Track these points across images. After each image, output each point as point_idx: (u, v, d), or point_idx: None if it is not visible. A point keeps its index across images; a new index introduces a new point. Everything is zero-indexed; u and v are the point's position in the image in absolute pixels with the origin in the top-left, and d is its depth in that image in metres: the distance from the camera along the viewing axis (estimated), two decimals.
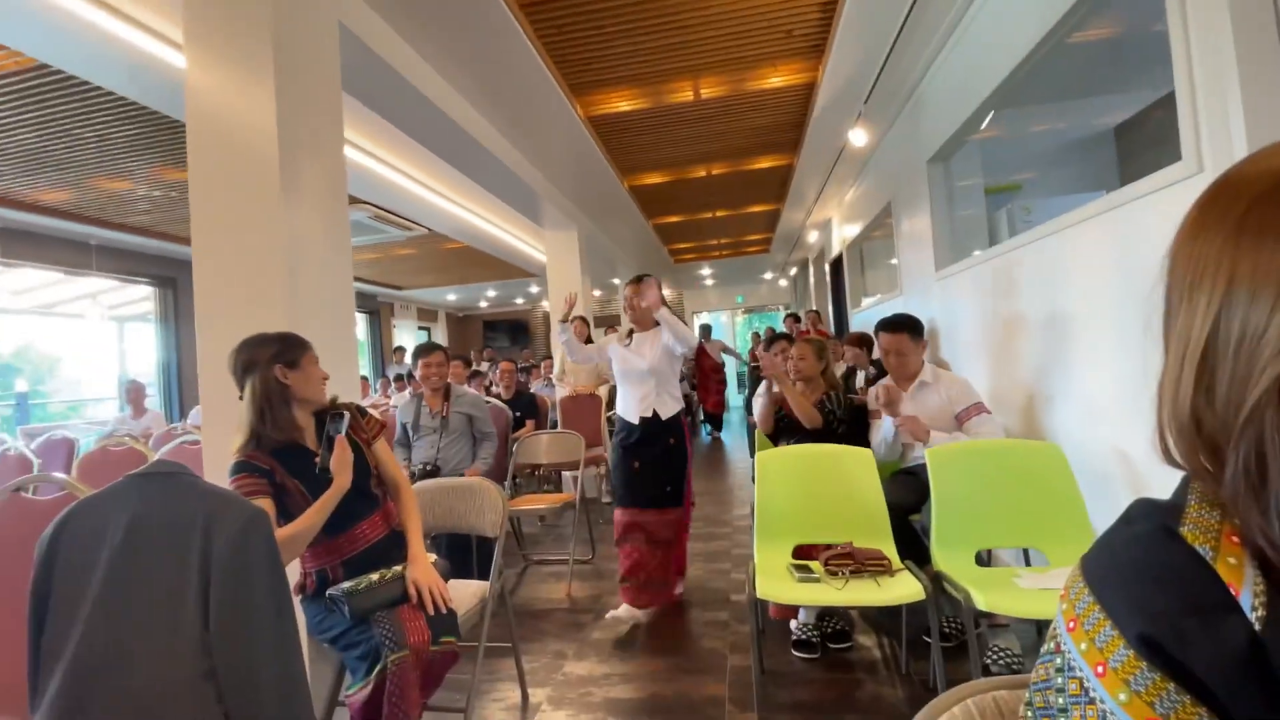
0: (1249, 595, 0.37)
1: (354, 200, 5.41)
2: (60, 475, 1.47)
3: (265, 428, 1.57)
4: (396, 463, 1.85)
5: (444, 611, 1.63)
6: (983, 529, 2.03)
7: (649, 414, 2.73)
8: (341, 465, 1.59)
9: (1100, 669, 0.40)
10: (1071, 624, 0.43)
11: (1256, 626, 0.36)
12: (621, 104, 4.13)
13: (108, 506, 1.10)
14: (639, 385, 2.77)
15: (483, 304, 14.41)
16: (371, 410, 1.87)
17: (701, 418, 8.54)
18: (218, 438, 1.98)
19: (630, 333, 2.90)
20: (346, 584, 1.57)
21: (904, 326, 2.60)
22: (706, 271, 12.38)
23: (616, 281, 10.49)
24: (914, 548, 2.15)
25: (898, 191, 4.55)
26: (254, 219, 2.02)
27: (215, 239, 2.06)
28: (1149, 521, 0.43)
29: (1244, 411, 0.38)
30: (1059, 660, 0.43)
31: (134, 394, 5.75)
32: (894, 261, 4.89)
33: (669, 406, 2.77)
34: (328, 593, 1.58)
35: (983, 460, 2.11)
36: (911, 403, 2.52)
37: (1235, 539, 0.39)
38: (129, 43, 2.68)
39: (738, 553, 3.50)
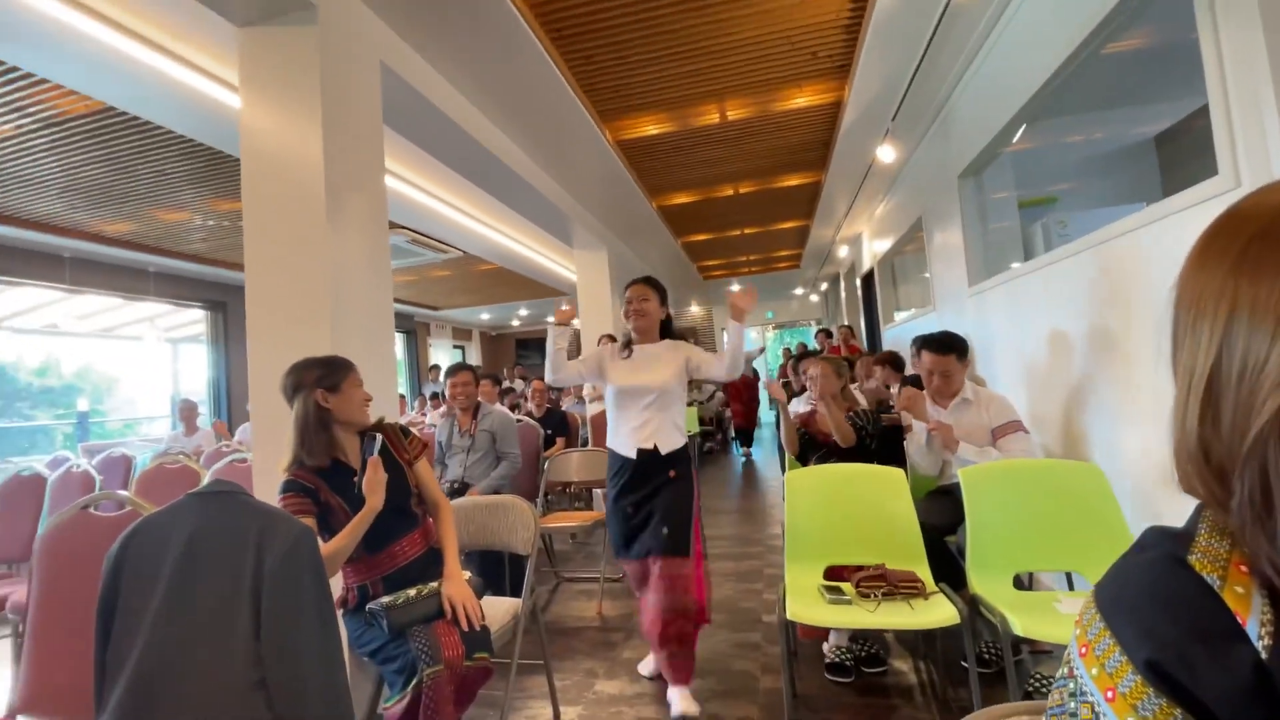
0: (1255, 624, 0.38)
1: (393, 226, 5.61)
2: (124, 493, 1.56)
3: (303, 451, 1.66)
4: (437, 482, 1.90)
5: (477, 628, 1.67)
6: (1020, 551, 1.98)
7: (648, 446, 2.23)
8: (372, 487, 1.65)
9: (1110, 694, 0.41)
10: (1083, 649, 0.44)
11: (1263, 655, 0.37)
12: (649, 128, 4.22)
13: (170, 523, 1.18)
14: (638, 411, 2.26)
15: (515, 322, 14.65)
16: (410, 428, 1.94)
17: (732, 434, 8.45)
18: (267, 455, 2.08)
19: (629, 344, 2.36)
20: (385, 599, 1.62)
21: (951, 348, 2.55)
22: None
23: None
24: (949, 570, 2.11)
25: (929, 206, 4.51)
26: (302, 247, 2.13)
27: (266, 266, 2.18)
28: (1159, 549, 0.44)
29: (1247, 441, 0.39)
30: (1072, 685, 0.44)
31: (186, 412, 6.01)
32: (927, 275, 4.84)
33: (672, 439, 2.26)
34: (367, 607, 1.64)
35: (1019, 480, 2.07)
36: (951, 419, 2.49)
37: (1243, 568, 0.40)
38: (189, 85, 2.86)
39: (770, 572, 3.46)
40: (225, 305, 7.52)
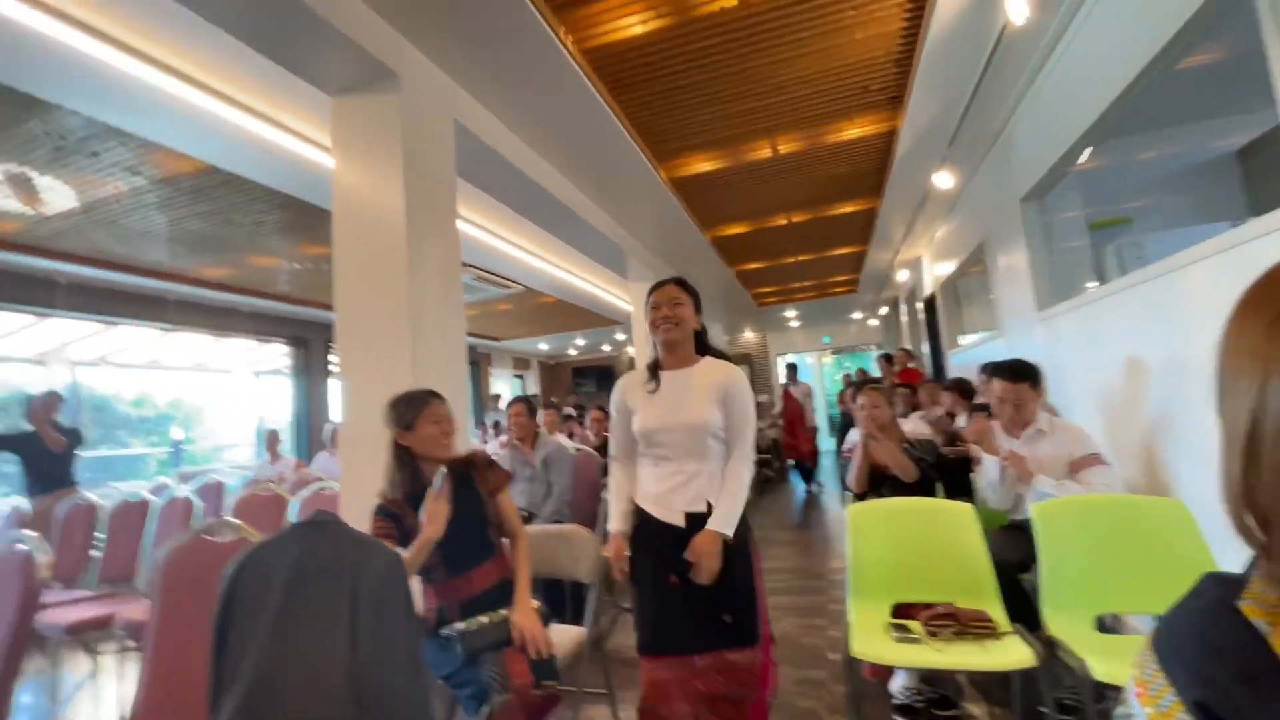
0: None
1: (462, 265, 5.91)
2: (235, 521, 1.73)
3: (387, 484, 1.82)
4: (517, 513, 1.99)
5: (545, 656, 1.73)
6: (1100, 591, 1.89)
7: (698, 509, 1.66)
8: (430, 517, 1.74)
9: None
10: (1140, 690, 0.47)
11: None
12: (702, 165, 4.33)
13: (278, 548, 1.31)
14: (677, 459, 1.70)
15: (571, 351, 14.96)
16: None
17: (791, 465, 8.22)
18: (355, 480, 2.24)
19: (655, 369, 1.80)
20: (459, 624, 1.71)
21: (1025, 376, 2.47)
22: (791, 313, 12.26)
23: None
24: (1024, 610, 2.03)
25: (991, 231, 4.41)
26: (386, 291, 2.33)
27: (355, 307, 2.39)
28: (1212, 595, 0.47)
29: None
30: None
31: (271, 441, 6.44)
32: (993, 298, 4.70)
33: (715, 483, 1.70)
34: (442, 631, 1.73)
35: (1097, 516, 1.99)
36: (1025, 451, 2.42)
37: None
38: (283, 146, 3.17)
39: (834, 608, 3.39)
40: (307, 341, 8.04)
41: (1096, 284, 3.26)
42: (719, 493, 1.68)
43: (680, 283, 1.86)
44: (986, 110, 3.53)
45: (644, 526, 1.74)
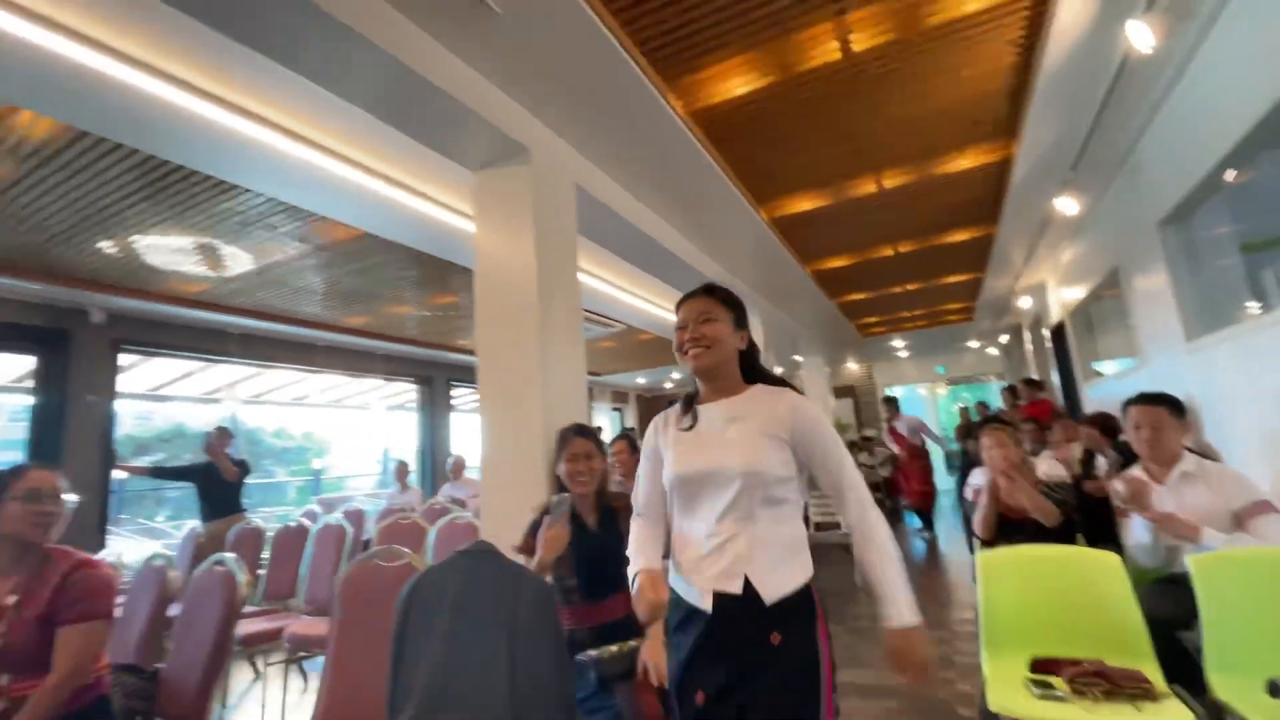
0: None
1: None
2: (404, 550, 1.97)
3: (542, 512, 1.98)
4: None
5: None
6: (1274, 652, 1.71)
7: (731, 588, 1.27)
8: (545, 544, 1.84)
9: None
10: None
11: None
12: (803, 204, 4.39)
13: (445, 574, 1.50)
14: (711, 518, 1.32)
15: (668, 385, 15.15)
16: None
17: (904, 504, 7.74)
18: (494, 508, 2.47)
19: (691, 402, 1.45)
20: (593, 651, 1.83)
21: (1162, 400, 2.32)
22: (899, 343, 11.77)
23: (799, 359, 10.39)
24: (1184, 670, 1.86)
25: (1126, 255, 4.11)
26: (520, 338, 2.59)
27: (493, 352, 2.66)
28: None
29: None
30: None
31: (401, 472, 7.02)
32: (1132, 324, 4.33)
33: (778, 571, 1.28)
34: (578, 656, 1.86)
35: (1267, 571, 1.81)
36: (1172, 497, 2.22)
37: None
38: (424, 212, 3.59)
39: (961, 661, 3.20)
40: (430, 379, 8.76)
41: (1258, 308, 2.96)
42: (876, 565, 1.28)
43: (712, 291, 1.47)
44: (1110, 135, 3.35)
45: (674, 608, 1.35)
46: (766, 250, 5.24)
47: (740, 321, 1.46)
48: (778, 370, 7.30)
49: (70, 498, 1.88)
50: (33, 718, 1.57)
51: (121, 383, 5.59)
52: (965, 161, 3.87)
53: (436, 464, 8.44)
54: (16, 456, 5.33)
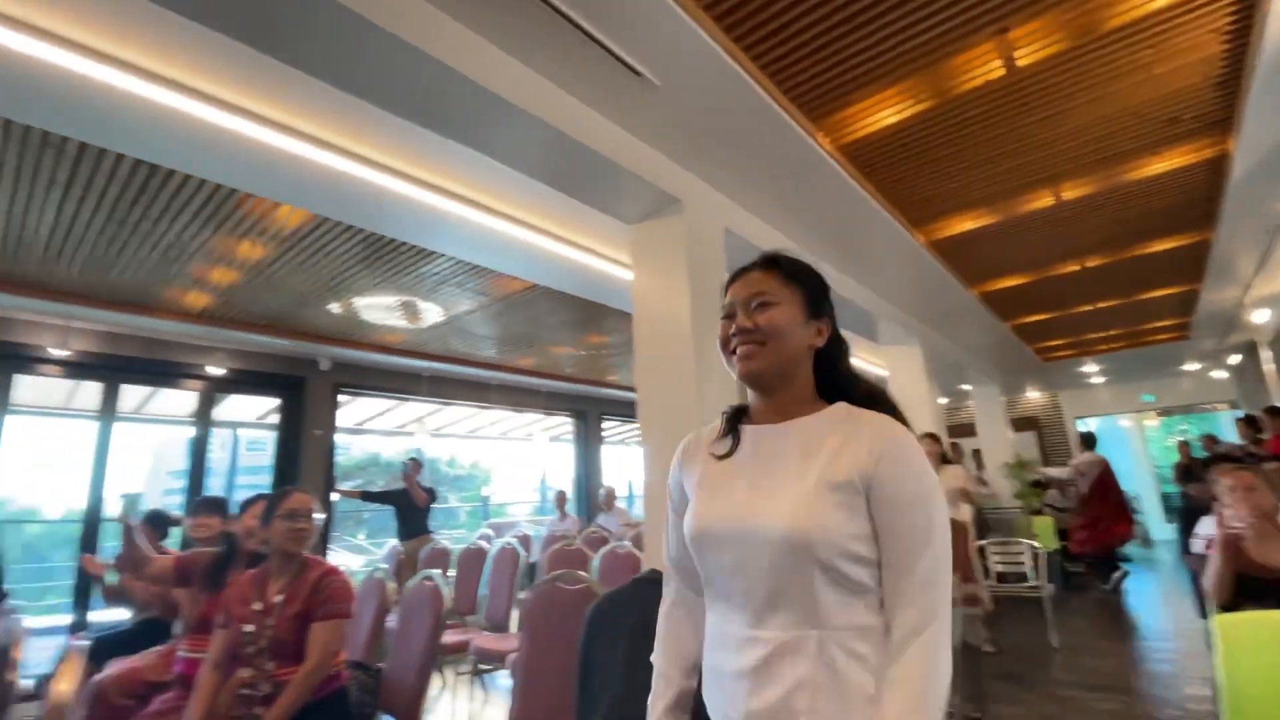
0: None
1: None
2: (584, 574, 2.15)
3: None
4: None
5: None
6: None
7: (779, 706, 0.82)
8: None
9: None
10: None
11: None
12: (965, 224, 4.12)
13: (624, 599, 1.62)
14: (749, 605, 0.88)
15: None
16: None
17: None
18: (656, 537, 2.59)
19: (736, 421, 1.06)
20: None
21: None
22: (1091, 368, 10.30)
23: (967, 387, 9.52)
24: None
25: None
26: (677, 376, 2.73)
27: (652, 389, 2.83)
28: None
29: None
30: None
31: (560, 500, 7.50)
32: None
33: (850, 684, 0.81)
34: None
35: None
36: None
37: None
38: (584, 263, 3.92)
39: None
40: (585, 413, 9.30)
41: None
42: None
43: (773, 264, 1.03)
44: None
45: None
46: (926, 275, 4.96)
47: (815, 306, 1.00)
48: (938, 402, 6.77)
49: (319, 516, 2.29)
50: (291, 699, 1.93)
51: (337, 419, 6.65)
52: (1162, 164, 3.41)
53: (590, 492, 8.87)
54: (264, 481, 6.55)
